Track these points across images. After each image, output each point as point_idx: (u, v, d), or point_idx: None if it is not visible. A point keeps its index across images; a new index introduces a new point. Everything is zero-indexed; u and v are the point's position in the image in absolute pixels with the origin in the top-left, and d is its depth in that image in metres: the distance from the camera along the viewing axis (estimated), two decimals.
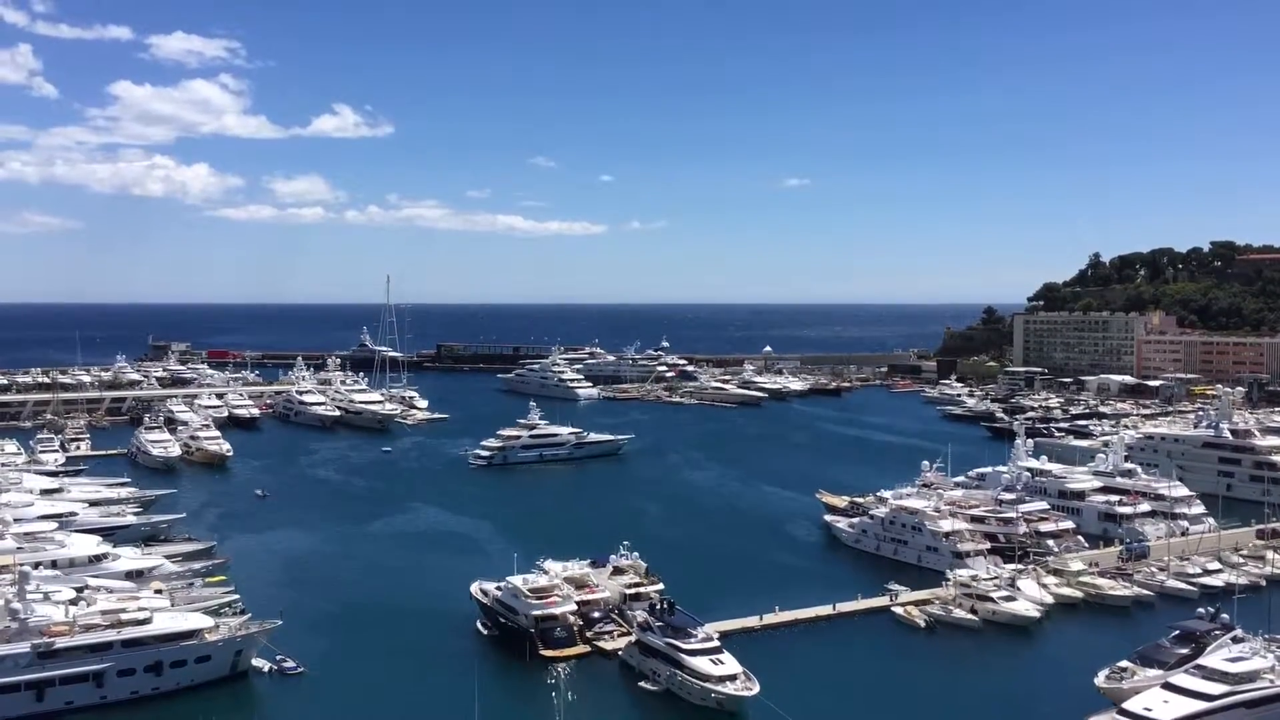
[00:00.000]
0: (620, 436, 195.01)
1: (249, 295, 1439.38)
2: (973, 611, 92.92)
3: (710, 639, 78.19)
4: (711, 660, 75.26)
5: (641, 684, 77.22)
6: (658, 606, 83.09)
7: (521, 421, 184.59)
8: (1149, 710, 65.68)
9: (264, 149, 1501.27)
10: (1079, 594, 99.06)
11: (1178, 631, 79.18)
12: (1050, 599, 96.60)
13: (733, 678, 73.73)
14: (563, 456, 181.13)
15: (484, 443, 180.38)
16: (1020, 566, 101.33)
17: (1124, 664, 75.14)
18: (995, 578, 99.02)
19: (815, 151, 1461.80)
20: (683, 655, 75.60)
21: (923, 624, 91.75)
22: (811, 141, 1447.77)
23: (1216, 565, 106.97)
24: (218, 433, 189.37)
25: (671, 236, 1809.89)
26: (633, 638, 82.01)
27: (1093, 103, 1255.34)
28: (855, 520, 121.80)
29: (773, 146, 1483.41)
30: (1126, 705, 67.10)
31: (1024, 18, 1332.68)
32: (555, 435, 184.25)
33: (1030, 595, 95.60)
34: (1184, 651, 75.57)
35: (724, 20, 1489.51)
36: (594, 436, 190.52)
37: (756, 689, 72.67)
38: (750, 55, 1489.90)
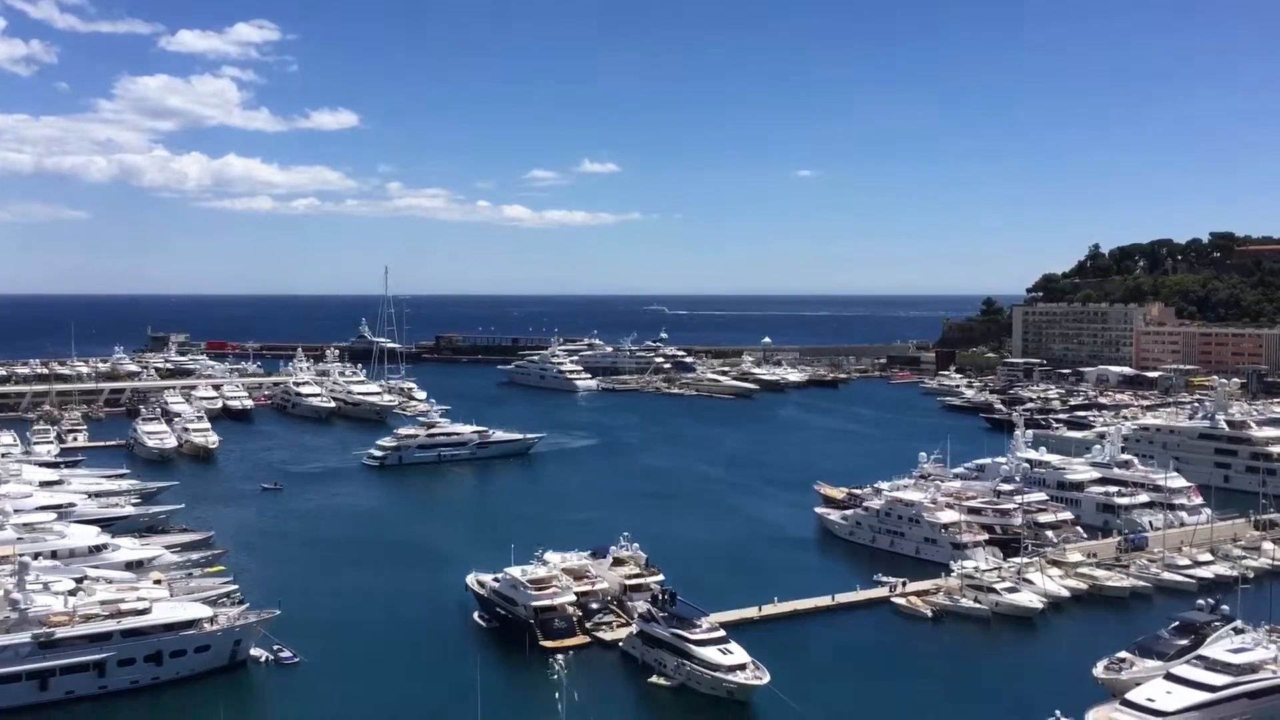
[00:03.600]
0: (531, 435, 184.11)
1: (249, 287, 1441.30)
2: (976, 602, 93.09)
3: (716, 629, 78.38)
4: (720, 650, 75.39)
5: (651, 679, 76.96)
6: (659, 597, 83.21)
7: (422, 420, 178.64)
8: (1152, 701, 65.64)
9: (266, 141, 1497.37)
10: (1086, 585, 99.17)
11: (1177, 623, 79.37)
12: (1065, 591, 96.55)
13: (742, 667, 73.93)
14: (464, 456, 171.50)
15: (379, 442, 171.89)
16: (1029, 559, 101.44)
17: (1123, 655, 75.23)
18: (999, 568, 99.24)
19: (825, 143, 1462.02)
20: (691, 646, 75.65)
21: (930, 614, 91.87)
22: (822, 133, 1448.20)
23: (1215, 556, 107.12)
24: (208, 425, 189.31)
25: (677, 227, 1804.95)
26: (634, 629, 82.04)
27: (1092, 93, 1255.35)
28: (848, 512, 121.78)
29: (784, 137, 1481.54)
30: (1129, 696, 67.03)
31: (1024, 9, 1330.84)
32: (456, 434, 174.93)
33: (1039, 587, 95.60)
34: (1183, 643, 75.75)
35: (735, 12, 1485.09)
36: (500, 435, 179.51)
37: (767, 678, 72.85)
38: (760, 49, 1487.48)
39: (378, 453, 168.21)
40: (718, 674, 73.43)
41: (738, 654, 75.20)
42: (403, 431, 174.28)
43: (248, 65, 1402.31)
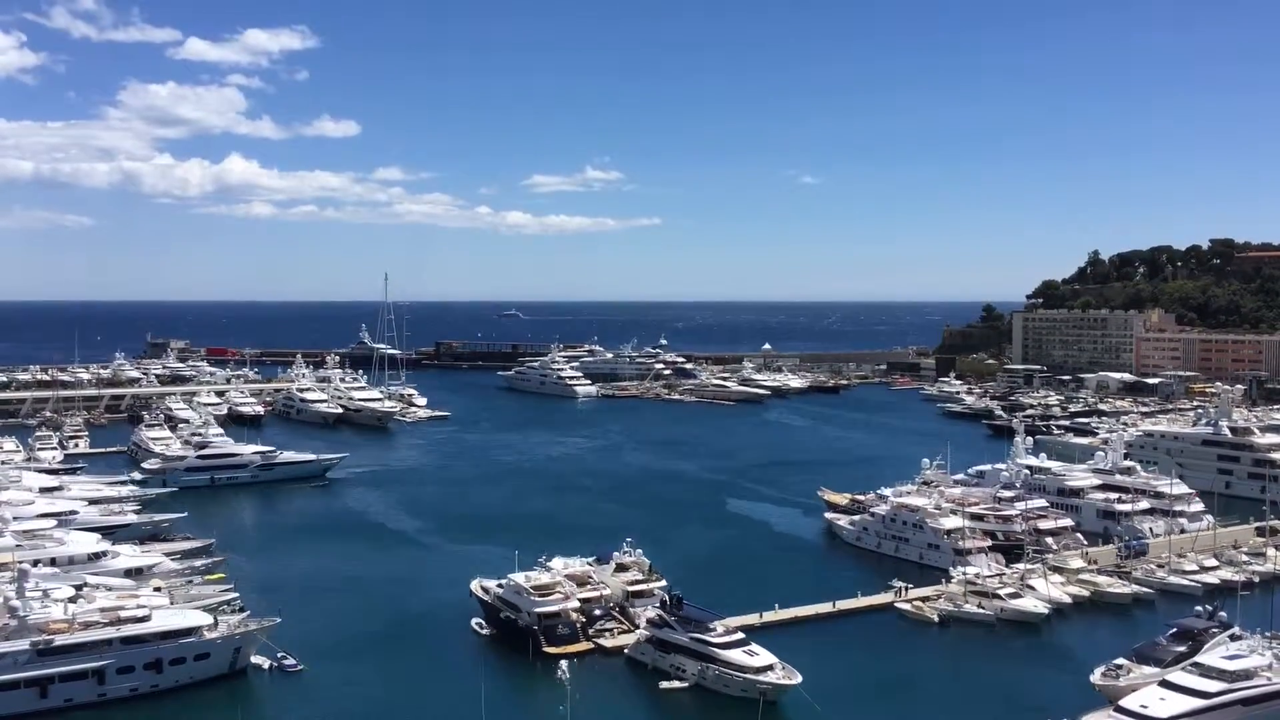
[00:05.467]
0: (329, 456, 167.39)
1: (250, 293, 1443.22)
2: (980, 608, 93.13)
3: (734, 631, 78.45)
4: (746, 651, 75.44)
5: (665, 684, 76.89)
6: (667, 602, 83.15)
7: (197, 438, 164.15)
8: (1145, 708, 65.72)
9: (269, 148, 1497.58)
10: (1088, 592, 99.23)
11: (1175, 629, 79.35)
12: (1067, 598, 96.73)
13: (771, 667, 73.96)
14: (244, 480, 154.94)
15: (144, 464, 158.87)
16: (1031, 565, 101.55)
17: (1120, 661, 75.19)
18: (1001, 574, 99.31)
19: (827, 147, 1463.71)
20: (715, 649, 75.61)
21: (936, 619, 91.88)
22: (826, 139, 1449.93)
23: (1215, 563, 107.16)
24: (220, 430, 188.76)
25: (683, 233, 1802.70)
26: (644, 634, 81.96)
27: (1093, 100, 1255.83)
28: (856, 518, 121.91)
29: (787, 144, 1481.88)
30: (1123, 702, 67.13)
31: (1024, 16, 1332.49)
32: (235, 455, 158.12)
33: (1043, 594, 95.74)
34: (1181, 649, 75.74)
35: (739, 20, 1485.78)
36: (287, 456, 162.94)
37: (799, 678, 72.90)
38: (765, 55, 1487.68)
39: (139, 476, 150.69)
40: (748, 675, 73.25)
41: (764, 655, 75.21)
42: (170, 452, 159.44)
43: (254, 73, 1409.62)
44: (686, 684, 76.21)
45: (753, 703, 71.80)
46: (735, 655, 74.96)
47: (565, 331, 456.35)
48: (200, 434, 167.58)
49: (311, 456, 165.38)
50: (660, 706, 75.29)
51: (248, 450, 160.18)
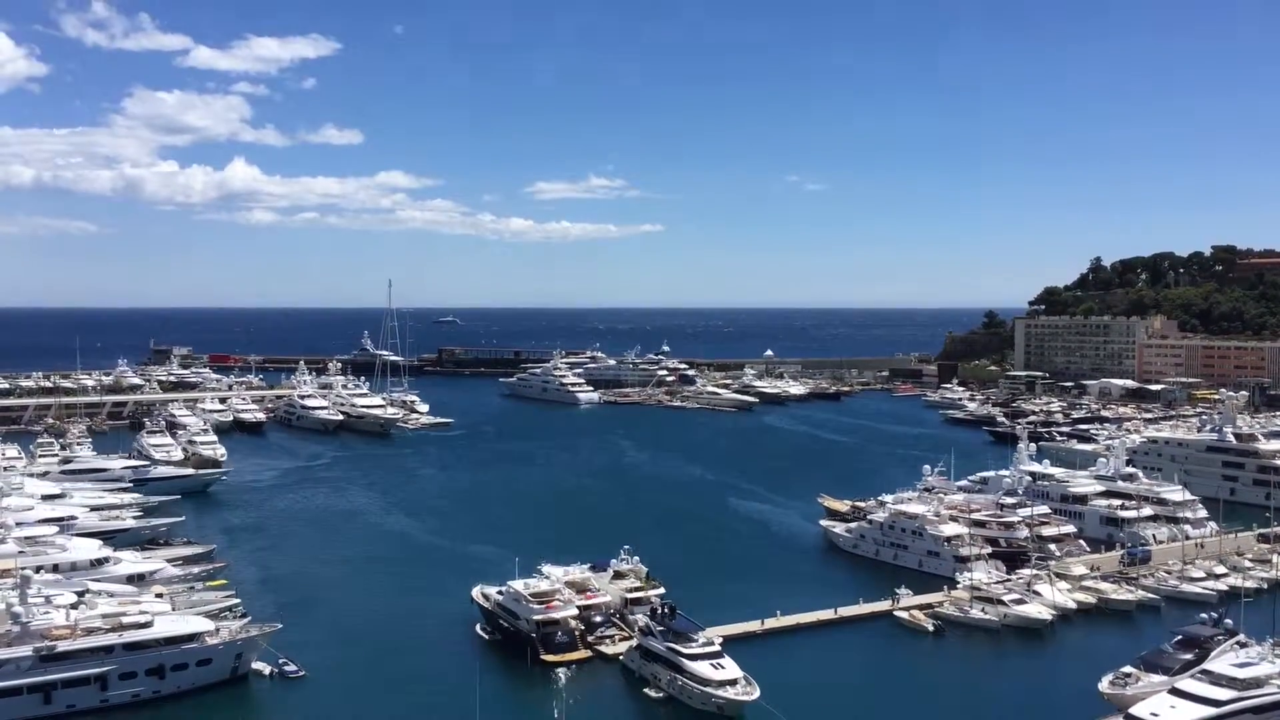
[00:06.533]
0: (209, 470, 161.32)
1: (252, 299, 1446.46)
2: (984, 614, 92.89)
3: (711, 643, 78.20)
4: (712, 665, 75.20)
5: (646, 690, 77.09)
6: (659, 611, 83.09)
7: (64, 452, 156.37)
8: (1156, 716, 65.45)
9: (272, 155, 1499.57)
10: (1093, 599, 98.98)
11: (1181, 637, 79.01)
12: (1071, 604, 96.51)
13: (733, 682, 73.71)
14: None
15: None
16: (1037, 571, 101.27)
17: (1127, 669, 74.93)
18: (1006, 580, 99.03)
19: (832, 156, 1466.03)
20: (683, 660, 75.57)
21: (931, 628, 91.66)
22: (829, 146, 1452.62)
23: (1220, 569, 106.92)
24: (214, 437, 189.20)
25: (682, 239, 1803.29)
26: (634, 642, 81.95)
27: (1095, 106, 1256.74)
28: (853, 525, 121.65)
29: (791, 150, 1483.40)
30: (1133, 711, 66.82)
31: (1027, 23, 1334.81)
32: (103, 469, 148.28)
33: (1047, 600, 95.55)
34: (1187, 657, 75.44)
35: (742, 26, 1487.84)
36: (164, 471, 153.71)
37: (757, 694, 72.67)
38: (768, 60, 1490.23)
39: None
40: (708, 689, 73.34)
41: (730, 669, 74.98)
42: (38, 467, 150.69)
43: (260, 81, 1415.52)
44: (662, 694, 76.29)
45: (719, 716, 72.06)
46: (699, 667, 74.80)
47: (567, 338, 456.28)
48: (193, 441, 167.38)
49: (190, 471, 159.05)
50: (643, 717, 75.01)
51: (117, 465, 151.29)
